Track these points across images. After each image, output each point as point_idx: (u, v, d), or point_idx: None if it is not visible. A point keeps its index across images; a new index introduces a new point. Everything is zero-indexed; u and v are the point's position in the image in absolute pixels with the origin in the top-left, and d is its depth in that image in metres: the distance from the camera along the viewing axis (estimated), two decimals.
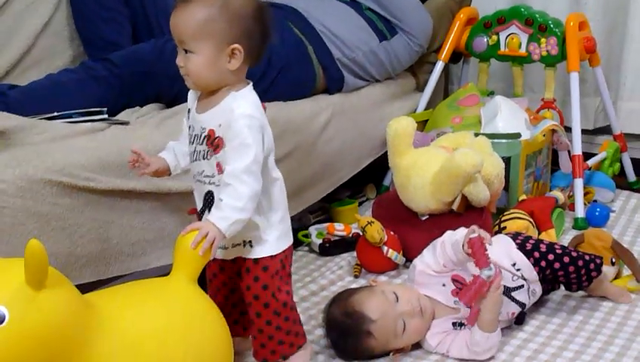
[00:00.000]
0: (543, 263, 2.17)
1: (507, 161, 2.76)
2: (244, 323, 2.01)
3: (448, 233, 2.12)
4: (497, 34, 3.21)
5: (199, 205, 1.85)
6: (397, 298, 2.04)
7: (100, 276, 2.09)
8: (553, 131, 3.02)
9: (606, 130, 3.46)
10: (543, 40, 3.10)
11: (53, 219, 1.95)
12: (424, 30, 3.22)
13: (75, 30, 2.81)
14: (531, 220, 2.61)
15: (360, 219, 2.56)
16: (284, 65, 2.72)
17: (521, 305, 2.15)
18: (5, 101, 2.32)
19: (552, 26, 3.09)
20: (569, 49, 3.05)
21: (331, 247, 2.71)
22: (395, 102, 3.17)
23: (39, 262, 1.37)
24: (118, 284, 1.75)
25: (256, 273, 1.85)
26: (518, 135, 2.83)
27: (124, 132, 2.23)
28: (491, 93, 3.25)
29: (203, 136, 1.79)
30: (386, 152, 2.70)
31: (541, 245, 2.21)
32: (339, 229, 2.75)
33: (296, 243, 2.33)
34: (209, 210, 1.77)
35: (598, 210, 2.95)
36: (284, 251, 1.88)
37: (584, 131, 3.15)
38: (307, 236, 2.78)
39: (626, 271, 2.43)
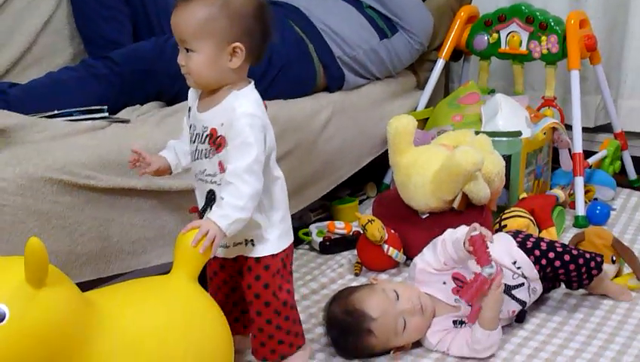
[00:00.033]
0: (544, 261, 2.17)
1: (508, 159, 2.76)
2: (245, 321, 2.01)
3: (449, 231, 2.12)
4: (498, 32, 3.21)
5: (201, 204, 1.85)
6: (397, 296, 2.04)
7: (101, 274, 2.09)
8: (554, 129, 3.02)
9: (607, 128, 3.46)
10: (543, 38, 3.10)
11: (53, 217, 1.95)
12: (425, 28, 3.22)
13: (75, 28, 2.81)
14: (532, 218, 2.61)
15: (360, 218, 2.56)
16: (285, 64, 2.72)
17: (522, 303, 2.15)
18: (6, 99, 2.32)
19: (552, 23, 3.08)
20: (570, 47, 3.05)
21: (332, 245, 2.71)
22: (395, 100, 3.17)
23: (39, 260, 1.37)
24: (119, 282, 1.74)
25: (257, 272, 1.85)
26: (518, 133, 2.83)
27: (125, 130, 2.23)
28: (492, 91, 3.25)
29: (205, 135, 1.78)
30: (387, 150, 2.70)
31: (542, 243, 2.21)
32: (339, 227, 2.75)
33: (297, 242, 2.33)
34: (210, 209, 1.77)
35: (598, 208, 2.95)
36: (285, 250, 1.89)
37: (585, 129, 3.15)
38: (308, 234, 2.78)
39: (627, 269, 2.43)
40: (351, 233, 2.74)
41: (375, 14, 3.12)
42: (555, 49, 3.09)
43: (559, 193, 2.86)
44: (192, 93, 1.87)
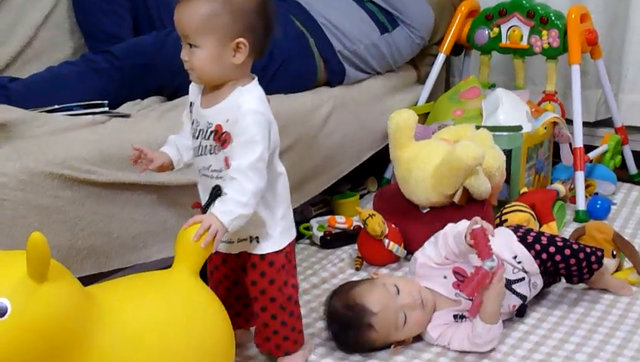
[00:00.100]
0: (544, 256, 2.17)
1: (508, 153, 2.76)
2: (247, 315, 2.02)
3: (450, 225, 2.12)
4: (499, 26, 3.21)
5: (204, 199, 1.84)
6: (398, 290, 2.04)
7: (101, 269, 2.09)
8: (554, 124, 3.02)
9: (607, 122, 3.46)
10: (544, 32, 3.10)
11: (54, 211, 1.95)
12: (425, 23, 3.22)
13: (75, 23, 2.80)
14: (532, 213, 2.61)
15: (361, 212, 2.56)
16: (286, 59, 2.72)
17: (522, 297, 2.15)
18: (6, 94, 2.32)
19: (553, 18, 3.08)
20: (570, 41, 3.04)
21: (332, 240, 2.71)
22: (396, 94, 3.17)
23: (41, 255, 1.37)
24: (120, 277, 1.74)
25: (262, 268, 1.86)
26: (519, 127, 2.83)
27: (126, 125, 2.23)
28: (492, 86, 3.25)
29: (209, 131, 1.78)
30: (387, 145, 2.70)
31: (542, 238, 2.21)
32: (340, 222, 2.75)
33: (298, 236, 2.32)
34: (214, 204, 1.77)
35: (599, 202, 2.95)
36: (288, 245, 1.89)
37: (585, 124, 3.15)
38: (308, 229, 2.78)
39: (627, 264, 2.43)
40: (352, 227, 2.74)
41: (376, 8, 3.12)
42: (556, 43, 3.09)
43: (560, 187, 2.86)
44: (193, 88, 1.86)
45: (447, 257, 2.08)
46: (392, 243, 2.53)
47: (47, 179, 1.93)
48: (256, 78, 1.82)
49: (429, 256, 2.11)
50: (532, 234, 2.24)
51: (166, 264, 1.79)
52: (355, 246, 2.62)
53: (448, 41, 3.28)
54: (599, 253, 2.22)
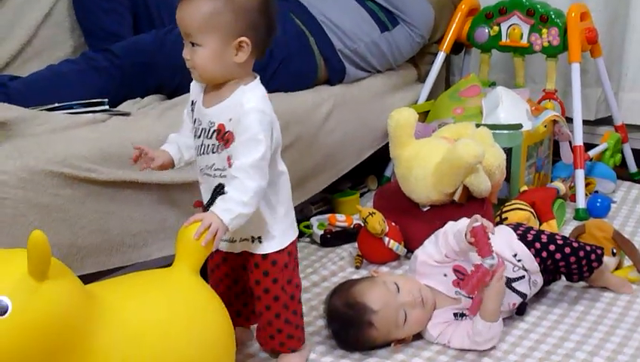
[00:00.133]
0: (544, 254, 2.17)
1: (508, 151, 2.76)
2: (247, 313, 2.02)
3: (450, 223, 2.12)
4: (499, 25, 3.21)
5: (206, 198, 1.84)
6: (398, 288, 2.04)
7: (102, 267, 2.09)
8: (554, 122, 3.01)
9: (607, 120, 3.46)
10: (544, 31, 3.10)
11: (54, 210, 1.96)
12: (426, 21, 3.22)
13: (76, 21, 2.80)
14: (532, 211, 2.61)
15: (361, 210, 2.56)
16: (286, 57, 2.72)
17: (522, 295, 2.16)
18: (6, 92, 2.32)
19: (553, 16, 3.08)
20: (570, 40, 3.04)
21: (333, 238, 2.71)
22: (396, 93, 3.17)
23: (42, 253, 1.37)
24: (120, 275, 1.75)
25: (265, 268, 1.86)
26: (519, 126, 2.83)
27: (126, 123, 2.23)
28: (493, 84, 3.25)
29: (212, 130, 1.78)
30: (388, 143, 2.70)
31: (542, 236, 2.21)
32: (340, 220, 2.75)
33: (298, 234, 2.32)
34: None
35: (599, 200, 2.95)
36: (290, 244, 1.90)
37: (585, 122, 3.15)
38: (309, 227, 2.78)
39: (627, 262, 2.43)
40: (352, 226, 2.74)
41: (376, 7, 3.12)
42: (556, 42, 3.09)
43: (560, 186, 2.86)
44: (195, 87, 1.86)
45: (448, 255, 2.08)
46: (392, 241, 2.53)
47: (48, 178, 1.93)
48: (258, 77, 1.81)
49: (430, 254, 2.11)
50: (532, 232, 2.24)
51: (166, 262, 1.79)
52: (356, 244, 2.62)
53: (448, 39, 3.28)
54: (599, 251, 2.22)
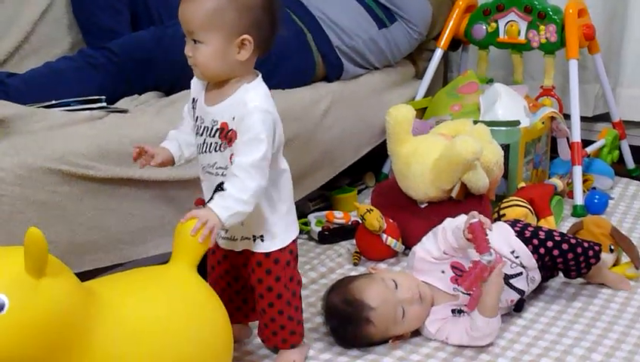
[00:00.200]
0: (542, 250, 2.18)
1: (506, 148, 2.77)
2: (246, 310, 2.02)
3: (448, 220, 2.12)
4: (496, 21, 3.21)
5: (207, 196, 1.83)
6: (396, 285, 2.04)
7: (99, 264, 2.09)
8: (552, 118, 3.02)
9: (605, 117, 3.46)
10: (542, 27, 3.10)
11: (52, 207, 1.95)
12: (423, 18, 3.22)
13: (73, 18, 2.80)
14: (530, 208, 2.61)
15: (359, 207, 2.56)
16: (284, 54, 2.71)
17: (520, 292, 2.16)
18: (4, 89, 2.32)
19: (551, 13, 3.08)
20: (568, 36, 3.05)
21: (330, 235, 2.71)
22: (394, 89, 3.17)
23: (39, 250, 1.37)
24: (118, 272, 1.74)
25: (268, 266, 1.86)
26: (517, 122, 2.83)
27: (124, 120, 2.23)
28: (490, 81, 3.25)
29: (215, 128, 1.77)
30: (385, 140, 2.70)
31: (540, 232, 2.22)
32: (338, 217, 2.75)
33: None
34: None
35: (596, 197, 2.95)
36: (292, 241, 1.90)
37: (583, 118, 3.15)
38: (306, 224, 2.78)
39: (625, 258, 2.43)
40: (350, 222, 2.74)
41: (373, 4, 3.12)
42: (554, 38, 3.09)
43: (557, 182, 2.86)
44: (196, 84, 1.84)
45: (446, 252, 2.08)
46: (390, 238, 2.53)
47: (45, 175, 1.93)
48: (260, 75, 1.80)
49: (428, 250, 2.11)
50: (530, 228, 2.24)
51: (164, 259, 1.79)
52: (353, 241, 2.62)
53: (446, 36, 3.28)
54: (597, 248, 2.22)
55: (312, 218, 2.79)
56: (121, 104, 2.41)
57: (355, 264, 2.54)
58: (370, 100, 3.02)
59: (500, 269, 2.00)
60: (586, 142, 3.16)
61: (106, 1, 2.71)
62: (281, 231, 1.86)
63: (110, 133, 2.11)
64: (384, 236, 2.53)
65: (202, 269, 1.82)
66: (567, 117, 3.08)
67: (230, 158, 1.75)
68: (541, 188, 2.81)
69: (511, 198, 2.65)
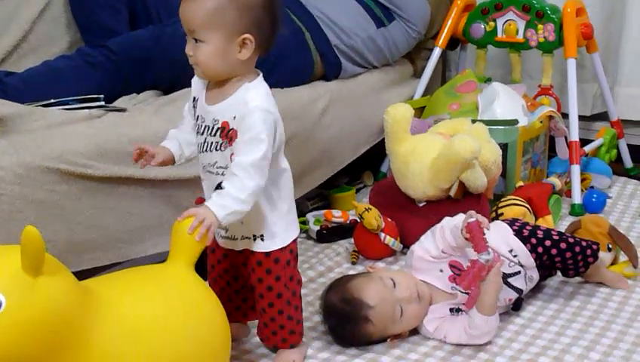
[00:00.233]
0: (540, 249, 2.18)
1: (504, 147, 2.77)
2: (245, 309, 2.02)
3: (447, 219, 2.12)
4: (494, 20, 3.21)
5: (208, 195, 1.82)
6: (394, 284, 2.04)
7: (98, 263, 2.09)
8: (550, 117, 3.02)
9: (603, 116, 3.46)
10: (540, 26, 3.10)
11: (50, 206, 1.95)
12: (422, 17, 3.22)
13: (72, 17, 2.80)
14: (528, 206, 2.61)
15: (357, 206, 2.56)
16: (282, 53, 2.71)
17: (518, 291, 2.16)
18: (2, 88, 2.32)
19: (549, 12, 3.09)
20: (566, 35, 3.05)
21: (329, 234, 2.71)
22: (392, 88, 3.17)
23: (36, 249, 1.37)
24: (116, 271, 1.74)
25: (268, 266, 1.86)
26: (515, 121, 2.83)
27: (122, 119, 2.22)
28: (489, 80, 3.26)
29: (215, 127, 1.76)
30: (384, 139, 2.70)
31: (538, 231, 2.22)
32: (336, 216, 2.75)
33: None
34: None
35: (595, 196, 2.95)
36: (293, 241, 1.89)
37: (581, 117, 3.15)
38: (305, 223, 2.78)
39: (623, 257, 2.43)
40: (348, 221, 2.74)
41: (372, 3, 3.12)
42: (552, 37, 3.09)
43: (556, 181, 2.86)
44: (197, 83, 1.84)
45: (444, 251, 2.08)
46: (388, 237, 2.53)
47: (44, 174, 1.93)
48: (262, 74, 1.80)
49: (426, 249, 2.11)
50: (528, 227, 2.24)
51: (163, 258, 1.79)
52: (352, 240, 2.63)
53: (444, 35, 3.28)
54: (595, 247, 2.23)
55: (310, 217, 2.79)
56: (119, 103, 2.41)
57: (354, 263, 2.54)
58: (368, 99, 3.02)
59: (498, 268, 2.00)
60: (584, 141, 3.16)
61: (105, 1, 2.72)
62: (281, 231, 1.86)
63: (108, 131, 2.11)
64: (382, 235, 2.53)
65: (202, 268, 1.83)
66: (565, 116, 3.08)
67: (230, 157, 1.75)
68: (539, 187, 2.81)
69: (509, 197, 2.65)
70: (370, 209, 2.54)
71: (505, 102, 2.92)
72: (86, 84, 2.41)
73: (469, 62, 3.45)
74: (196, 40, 1.72)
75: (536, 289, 2.29)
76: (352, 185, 3.12)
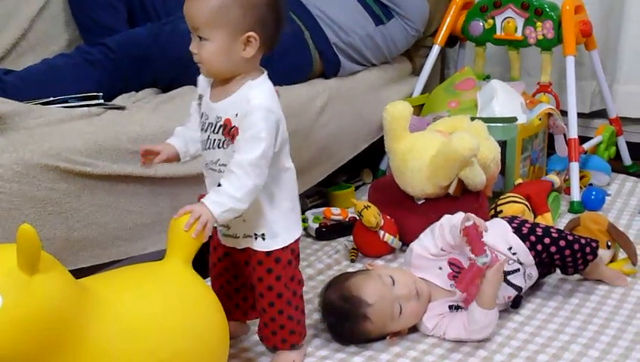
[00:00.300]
0: (539, 247, 2.18)
1: (503, 144, 2.77)
2: (245, 308, 2.02)
3: (446, 217, 2.12)
4: (493, 18, 3.21)
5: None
6: (393, 281, 2.04)
7: (97, 261, 2.09)
8: (549, 115, 3.02)
9: (602, 113, 3.46)
10: (538, 24, 3.10)
11: (49, 203, 1.95)
12: (421, 14, 3.22)
13: (71, 15, 2.80)
14: (527, 204, 2.61)
15: (356, 204, 2.56)
16: (281, 51, 2.68)
17: (518, 288, 2.16)
18: (2, 86, 2.32)
19: (547, 9, 3.09)
20: (565, 33, 3.05)
21: (328, 232, 2.71)
22: (391, 86, 3.17)
23: (32, 247, 1.37)
24: (114, 268, 1.74)
25: (269, 265, 1.85)
26: (514, 119, 2.83)
27: (121, 116, 2.23)
28: (487, 77, 3.26)
29: (218, 125, 1.76)
30: (383, 137, 2.70)
31: (537, 229, 2.22)
32: (335, 214, 2.75)
33: None
34: None
35: (593, 193, 2.95)
36: (295, 241, 1.89)
37: (580, 115, 3.15)
38: (304, 220, 2.77)
39: (622, 255, 2.43)
40: (347, 219, 2.74)
41: (371, 0, 3.12)
42: (551, 35, 3.09)
43: (555, 179, 2.86)
44: (203, 81, 1.84)
45: (444, 249, 2.08)
46: (387, 234, 2.54)
47: (43, 171, 1.93)
48: (266, 72, 1.80)
49: (426, 247, 2.12)
50: (527, 225, 2.24)
51: (162, 256, 1.78)
52: (351, 237, 2.63)
53: (443, 32, 3.28)
54: (594, 244, 2.23)
55: (309, 214, 2.79)
56: (118, 101, 2.41)
57: (353, 260, 2.54)
58: (367, 97, 3.02)
59: (498, 267, 2.00)
60: (583, 139, 3.16)
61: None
62: (282, 230, 1.85)
63: (107, 129, 2.11)
64: (381, 232, 2.53)
65: (202, 265, 1.83)
66: (564, 113, 3.08)
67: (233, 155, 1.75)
68: (538, 184, 2.81)
69: (508, 195, 2.65)
70: (369, 206, 2.54)
71: (504, 99, 2.92)
72: (85, 82, 2.40)
73: (467, 60, 3.45)
74: (200, 38, 1.71)
75: (535, 287, 2.29)
76: (350, 183, 3.12)
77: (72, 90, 2.32)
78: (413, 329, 2.10)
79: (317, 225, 2.71)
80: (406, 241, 2.43)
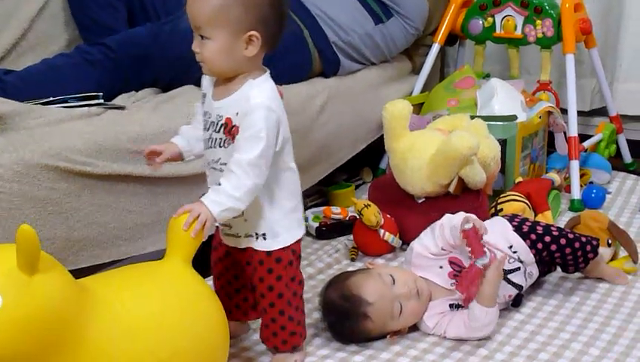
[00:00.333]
0: (540, 245, 2.18)
1: (503, 143, 2.77)
2: (246, 308, 2.01)
3: (447, 216, 2.12)
4: (493, 16, 3.21)
5: None
6: (394, 280, 2.04)
7: (97, 260, 2.09)
8: (549, 113, 3.02)
9: (602, 111, 3.46)
10: (538, 22, 3.10)
11: (49, 203, 1.95)
12: (420, 13, 3.22)
13: (70, 15, 2.80)
14: (528, 202, 2.61)
15: (356, 203, 2.56)
16: (280, 50, 2.69)
17: (518, 287, 2.16)
18: (1, 86, 2.32)
19: (547, 7, 3.08)
20: (565, 31, 3.04)
21: (328, 231, 2.71)
22: (391, 85, 3.17)
23: (31, 247, 1.37)
24: (114, 268, 1.74)
25: (269, 265, 1.85)
26: (514, 117, 2.83)
27: (121, 116, 2.23)
28: (487, 76, 3.25)
29: (220, 124, 1.76)
30: (382, 135, 2.70)
31: (537, 227, 2.22)
32: (335, 213, 2.75)
33: None
34: None
35: (594, 191, 2.95)
36: (296, 241, 1.88)
37: (580, 113, 3.15)
38: (304, 220, 2.77)
39: (623, 253, 2.43)
40: (347, 218, 2.74)
41: None
42: (550, 33, 3.09)
43: (555, 177, 2.86)
44: (206, 80, 1.84)
45: (444, 248, 2.08)
46: (387, 233, 2.53)
47: (43, 171, 1.93)
48: (268, 71, 1.79)
49: (426, 246, 2.11)
50: (527, 223, 2.24)
51: (162, 255, 1.79)
52: (351, 236, 2.62)
53: (442, 31, 3.28)
54: (594, 242, 2.23)
55: (309, 213, 2.79)
56: (118, 100, 2.41)
57: (353, 259, 2.54)
58: (367, 96, 3.02)
59: (500, 261, 2.00)
60: (583, 137, 3.16)
61: None
62: (283, 230, 1.85)
63: (107, 129, 2.12)
64: (381, 231, 2.53)
65: (203, 264, 1.82)
66: (564, 111, 3.08)
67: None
68: (538, 182, 2.81)
69: (508, 193, 2.65)
70: (369, 205, 2.53)
71: (503, 98, 2.92)
72: (85, 81, 2.40)
73: (467, 58, 3.45)
74: (202, 37, 1.71)
75: (536, 285, 2.29)
76: (350, 182, 3.12)
77: (72, 90, 2.32)
78: (414, 327, 2.10)
79: (317, 224, 2.71)
80: (406, 240, 2.43)
